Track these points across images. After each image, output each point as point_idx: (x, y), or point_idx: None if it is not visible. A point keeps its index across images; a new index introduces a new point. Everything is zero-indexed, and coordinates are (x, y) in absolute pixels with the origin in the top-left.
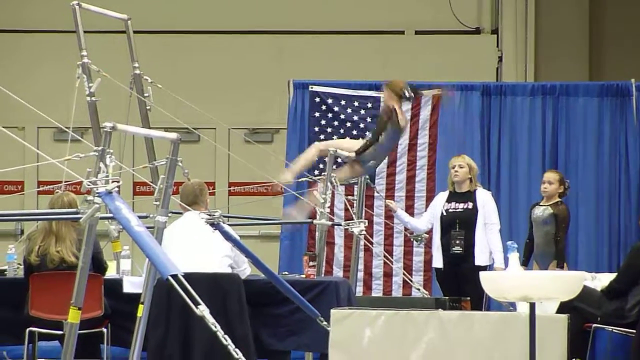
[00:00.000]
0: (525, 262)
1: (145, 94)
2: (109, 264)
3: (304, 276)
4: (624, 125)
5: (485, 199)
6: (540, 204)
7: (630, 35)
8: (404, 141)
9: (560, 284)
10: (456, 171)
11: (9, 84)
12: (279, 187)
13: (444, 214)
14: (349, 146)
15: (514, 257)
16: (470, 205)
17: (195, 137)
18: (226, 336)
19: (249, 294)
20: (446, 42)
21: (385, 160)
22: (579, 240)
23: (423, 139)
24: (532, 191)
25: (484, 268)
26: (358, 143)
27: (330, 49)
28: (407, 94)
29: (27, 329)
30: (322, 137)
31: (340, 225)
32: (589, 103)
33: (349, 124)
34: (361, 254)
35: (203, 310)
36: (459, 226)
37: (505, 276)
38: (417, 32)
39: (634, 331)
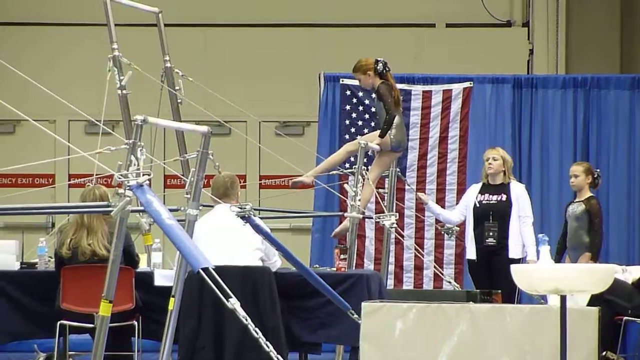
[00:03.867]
0: (558, 260)
1: (176, 87)
2: (140, 257)
3: (335, 269)
4: None
5: (519, 192)
6: (574, 200)
7: None
8: (434, 134)
9: (591, 277)
10: (490, 163)
11: (40, 77)
12: (298, 184)
13: (477, 205)
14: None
15: (545, 249)
16: (504, 197)
17: (226, 130)
18: (257, 329)
19: (280, 286)
20: (477, 35)
21: (416, 153)
22: (610, 232)
23: (454, 131)
24: (564, 184)
25: (518, 261)
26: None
27: (361, 42)
28: (379, 65)
29: (58, 322)
30: (352, 130)
31: (371, 218)
32: (620, 96)
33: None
34: (392, 246)
35: (234, 303)
36: (493, 218)
37: (536, 269)
38: (448, 25)
39: None
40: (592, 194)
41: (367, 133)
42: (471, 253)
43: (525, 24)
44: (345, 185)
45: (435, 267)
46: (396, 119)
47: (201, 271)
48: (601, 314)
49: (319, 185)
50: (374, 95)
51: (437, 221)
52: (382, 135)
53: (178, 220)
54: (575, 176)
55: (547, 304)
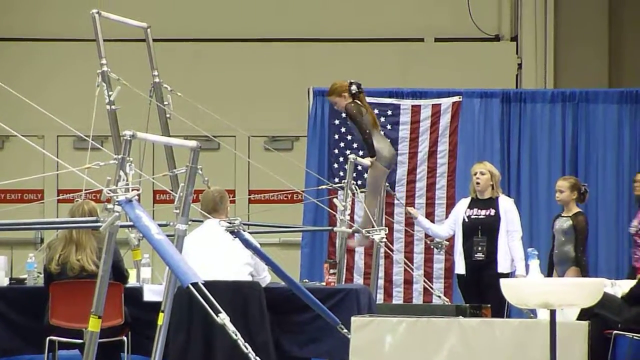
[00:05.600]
0: (549, 274)
1: (165, 102)
2: (129, 272)
3: (324, 284)
4: None
5: (507, 206)
6: (562, 215)
7: None
8: (424, 148)
9: (581, 291)
10: (478, 178)
11: (28, 93)
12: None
13: (466, 220)
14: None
15: (534, 264)
16: (493, 212)
17: (215, 145)
18: (247, 344)
19: (270, 301)
20: (466, 49)
21: (405, 168)
22: (599, 246)
23: (443, 146)
24: (553, 198)
25: (507, 275)
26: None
27: (349, 57)
28: (353, 87)
29: (47, 338)
30: (342, 144)
31: (361, 232)
32: (609, 109)
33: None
34: (381, 261)
35: (224, 318)
36: (481, 232)
37: (525, 283)
38: (436, 40)
39: None
40: (579, 210)
41: (356, 147)
42: (460, 268)
43: (514, 38)
44: (335, 200)
45: (424, 281)
46: (378, 140)
47: (190, 286)
48: (591, 328)
49: (308, 199)
50: (344, 115)
51: (427, 235)
52: (373, 156)
53: (167, 236)
54: (560, 191)
55: (537, 318)
